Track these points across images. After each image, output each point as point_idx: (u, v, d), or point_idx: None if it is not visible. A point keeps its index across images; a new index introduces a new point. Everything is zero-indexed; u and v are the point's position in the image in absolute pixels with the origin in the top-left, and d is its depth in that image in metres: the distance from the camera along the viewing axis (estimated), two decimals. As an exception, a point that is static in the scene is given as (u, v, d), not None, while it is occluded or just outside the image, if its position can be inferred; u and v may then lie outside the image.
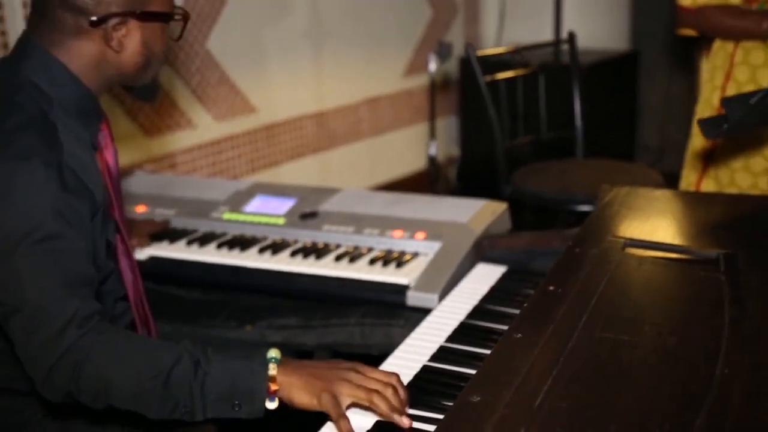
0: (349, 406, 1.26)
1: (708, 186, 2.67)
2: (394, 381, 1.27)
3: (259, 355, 1.29)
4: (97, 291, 1.43)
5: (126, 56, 1.48)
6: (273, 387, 1.25)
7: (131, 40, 1.46)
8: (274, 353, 1.28)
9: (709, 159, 2.60)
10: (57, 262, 1.30)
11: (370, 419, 1.25)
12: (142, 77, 1.56)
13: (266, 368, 1.26)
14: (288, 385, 1.25)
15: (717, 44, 2.66)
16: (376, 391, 1.23)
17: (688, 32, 2.69)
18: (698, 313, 1.39)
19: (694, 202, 1.96)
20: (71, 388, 1.28)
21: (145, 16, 1.46)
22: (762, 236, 1.69)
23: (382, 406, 1.22)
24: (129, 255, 1.63)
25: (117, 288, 1.58)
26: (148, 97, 1.57)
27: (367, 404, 1.23)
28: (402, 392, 1.26)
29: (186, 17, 1.56)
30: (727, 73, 2.53)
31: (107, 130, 1.57)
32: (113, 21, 1.43)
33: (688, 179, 2.71)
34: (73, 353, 1.26)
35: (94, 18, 1.41)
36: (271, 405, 1.26)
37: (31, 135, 1.35)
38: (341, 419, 1.21)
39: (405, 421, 1.21)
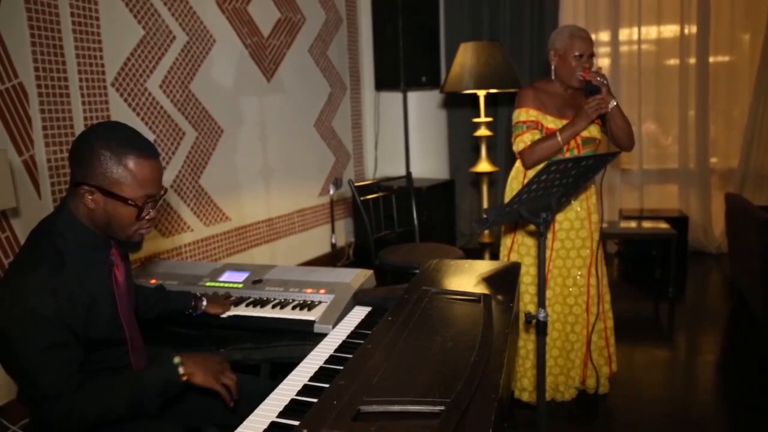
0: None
1: (517, 245, 2.49)
2: (234, 379, 1.45)
3: (170, 362, 1.38)
4: (106, 353, 1.40)
5: (96, 214, 1.34)
6: (183, 378, 1.37)
7: (97, 204, 1.33)
8: (177, 359, 1.39)
9: (515, 230, 2.51)
10: (51, 358, 1.25)
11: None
12: (120, 236, 1.38)
13: (177, 368, 1.37)
14: (189, 374, 1.39)
15: (515, 169, 2.48)
16: (225, 384, 1.43)
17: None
18: (466, 328, 1.40)
19: (472, 266, 1.95)
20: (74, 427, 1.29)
21: (107, 194, 1.31)
22: (503, 285, 1.74)
23: (225, 395, 1.43)
24: (134, 329, 1.49)
25: (123, 355, 1.47)
26: (131, 249, 1.44)
27: (220, 386, 1.42)
28: (235, 387, 1.45)
29: (142, 209, 1.35)
30: (521, 182, 2.42)
31: (117, 254, 1.44)
32: (85, 188, 1.31)
33: (505, 243, 2.55)
34: (61, 416, 1.27)
35: (77, 183, 1.32)
36: (182, 385, 1.39)
37: (43, 270, 1.26)
38: (216, 385, 1.41)
39: (231, 404, 1.44)
